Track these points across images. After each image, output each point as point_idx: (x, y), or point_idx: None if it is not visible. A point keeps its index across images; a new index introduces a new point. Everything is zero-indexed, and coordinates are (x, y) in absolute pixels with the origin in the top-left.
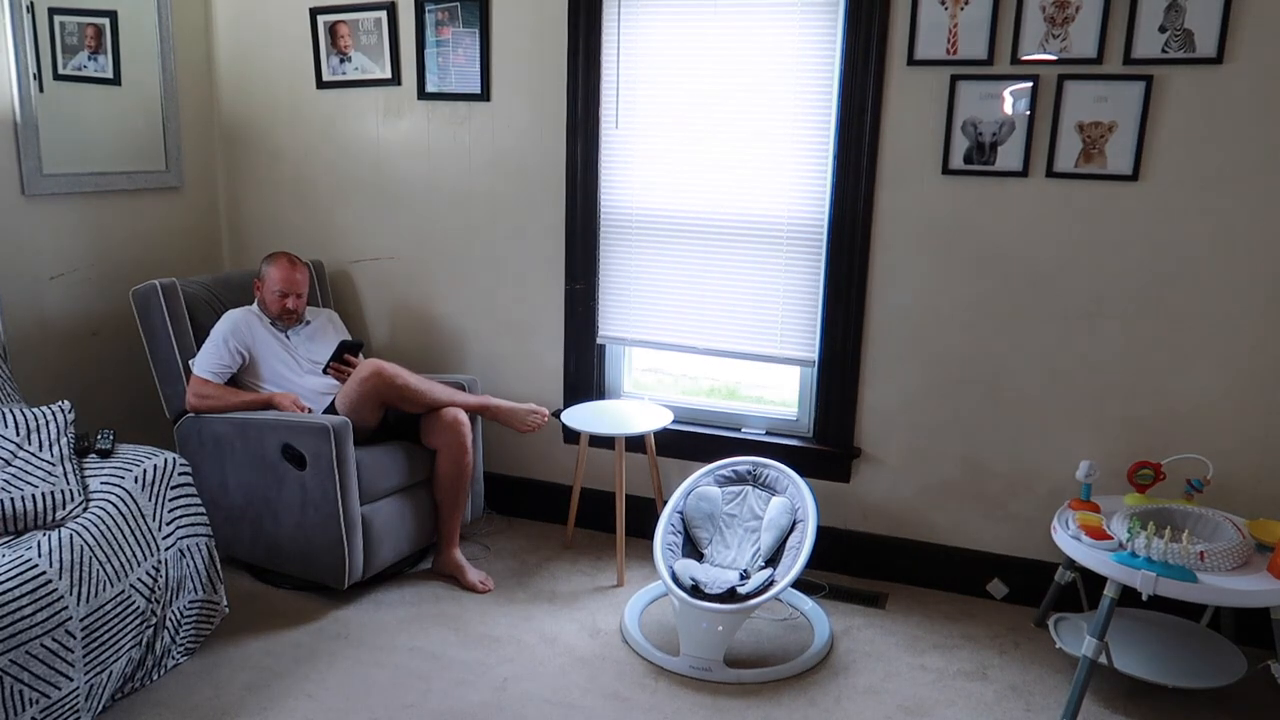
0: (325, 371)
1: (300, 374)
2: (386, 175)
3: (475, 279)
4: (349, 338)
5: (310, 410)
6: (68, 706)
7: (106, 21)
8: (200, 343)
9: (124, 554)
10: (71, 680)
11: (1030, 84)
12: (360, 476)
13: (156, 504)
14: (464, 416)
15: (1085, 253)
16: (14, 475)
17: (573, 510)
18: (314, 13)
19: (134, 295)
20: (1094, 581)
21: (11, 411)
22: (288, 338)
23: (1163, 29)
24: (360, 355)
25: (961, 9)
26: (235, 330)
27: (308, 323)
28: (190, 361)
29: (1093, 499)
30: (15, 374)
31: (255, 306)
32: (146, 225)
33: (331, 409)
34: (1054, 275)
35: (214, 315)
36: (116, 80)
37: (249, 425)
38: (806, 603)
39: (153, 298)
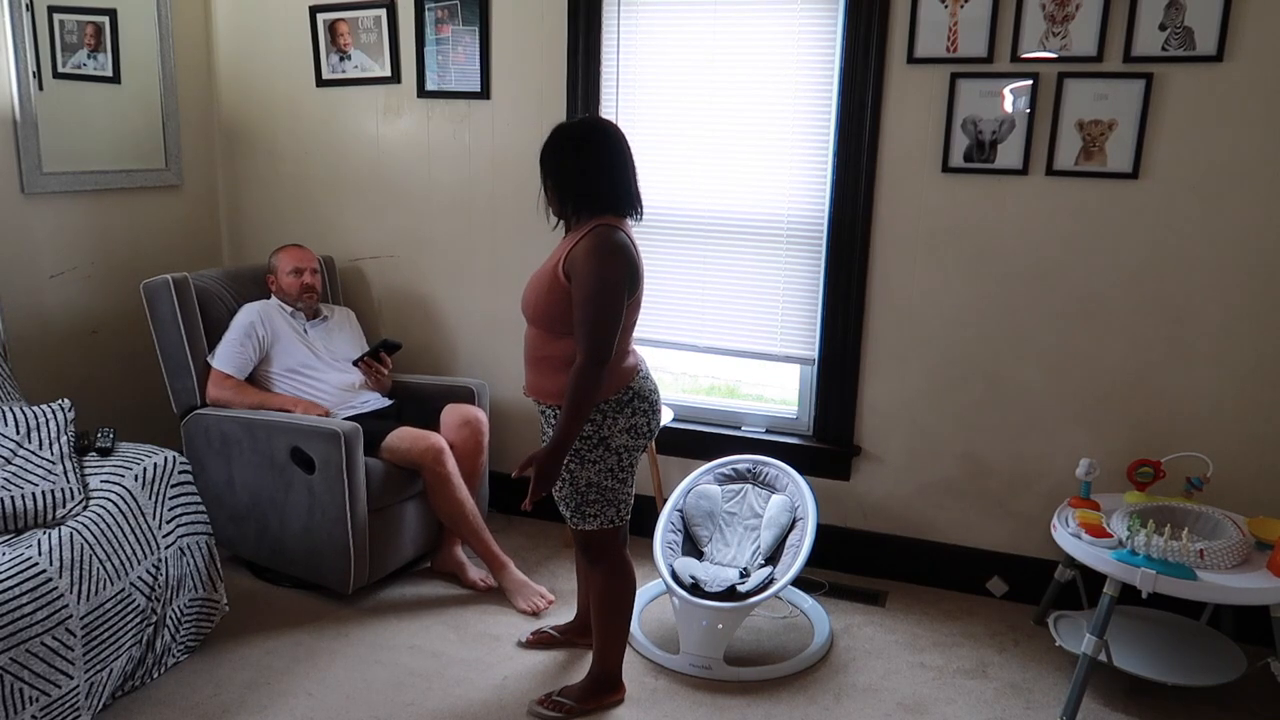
0: (356, 363)
1: (322, 368)
2: (386, 173)
3: (475, 277)
4: (366, 337)
5: (328, 413)
6: (68, 704)
7: (106, 19)
8: (210, 337)
9: (124, 552)
10: (71, 678)
11: (1030, 82)
12: (369, 483)
13: (157, 502)
14: (482, 416)
15: (1085, 251)
16: (14, 474)
17: None
18: (314, 10)
19: (144, 288)
20: (1094, 579)
21: (11, 410)
22: (305, 332)
23: (1163, 27)
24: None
25: (961, 7)
26: (256, 321)
27: (325, 318)
28: (208, 357)
29: (1093, 497)
30: (15, 372)
31: (273, 300)
32: (146, 223)
33: (364, 419)
34: (1054, 273)
35: (226, 309)
36: (116, 78)
37: (257, 426)
38: (806, 601)
39: (163, 291)
